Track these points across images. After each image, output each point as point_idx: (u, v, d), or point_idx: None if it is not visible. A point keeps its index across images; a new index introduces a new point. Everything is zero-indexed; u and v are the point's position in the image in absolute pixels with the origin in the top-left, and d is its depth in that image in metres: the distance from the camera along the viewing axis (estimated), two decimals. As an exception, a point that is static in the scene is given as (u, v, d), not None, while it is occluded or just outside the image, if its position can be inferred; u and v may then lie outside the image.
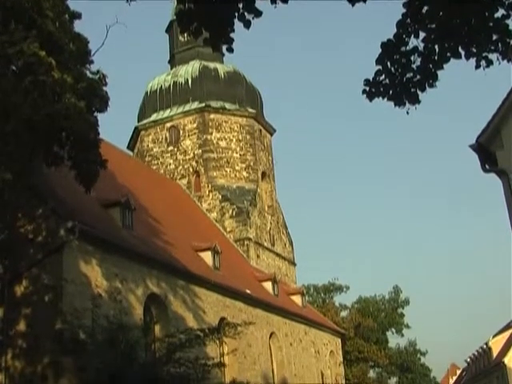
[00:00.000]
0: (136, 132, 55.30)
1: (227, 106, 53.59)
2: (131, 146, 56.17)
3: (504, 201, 16.58)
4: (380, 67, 10.02)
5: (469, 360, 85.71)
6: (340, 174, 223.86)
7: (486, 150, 16.44)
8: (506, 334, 70.84)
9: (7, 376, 22.66)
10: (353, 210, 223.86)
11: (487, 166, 16.62)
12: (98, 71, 20.40)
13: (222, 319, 33.66)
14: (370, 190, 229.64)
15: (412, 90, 10.06)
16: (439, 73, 9.96)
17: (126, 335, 22.14)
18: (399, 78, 10.01)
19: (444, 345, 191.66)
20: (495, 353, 71.15)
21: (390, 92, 10.14)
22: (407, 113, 10.31)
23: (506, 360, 64.90)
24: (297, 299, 49.29)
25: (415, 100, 10.14)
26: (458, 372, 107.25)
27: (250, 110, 54.72)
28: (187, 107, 53.29)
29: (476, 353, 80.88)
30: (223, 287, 34.67)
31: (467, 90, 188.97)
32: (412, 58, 9.87)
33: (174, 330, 25.97)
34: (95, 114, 20.35)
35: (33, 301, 23.08)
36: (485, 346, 75.35)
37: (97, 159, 20.51)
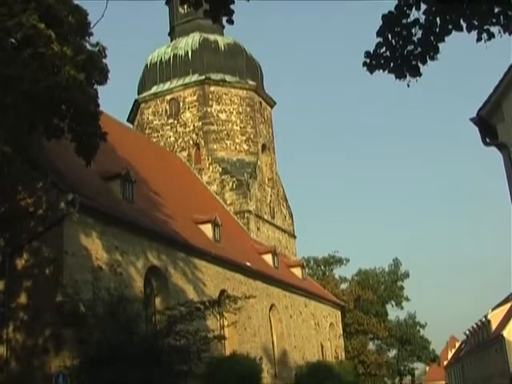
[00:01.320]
0: (136, 105, 55.16)
1: (227, 78, 53.40)
2: (131, 118, 56.05)
3: (504, 174, 16.56)
4: (381, 39, 9.96)
5: (468, 333, 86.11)
6: (340, 146, 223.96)
7: (487, 124, 16.40)
8: (506, 307, 71.09)
9: (9, 348, 22.78)
10: (352, 183, 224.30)
11: (488, 140, 16.58)
12: (97, 43, 20.24)
13: (223, 291, 33.77)
14: (369, 163, 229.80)
15: (413, 62, 10.01)
16: (440, 45, 9.91)
17: (127, 308, 22.20)
18: (400, 51, 9.96)
19: (443, 317, 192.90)
20: (494, 325, 71.46)
21: (391, 64, 10.09)
22: (408, 85, 10.27)
23: (505, 333, 65.19)
24: (297, 271, 49.46)
25: (416, 73, 10.10)
26: (457, 344, 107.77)
27: (251, 82, 54.55)
28: (187, 79, 53.10)
29: (475, 325, 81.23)
30: (223, 260, 34.77)
31: (468, 63, 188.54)
32: (413, 31, 9.80)
33: (174, 303, 26.06)
34: (95, 86, 20.26)
35: (33, 273, 23.13)
36: (484, 319, 75.65)
37: (97, 132, 20.46)
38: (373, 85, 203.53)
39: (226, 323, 34.17)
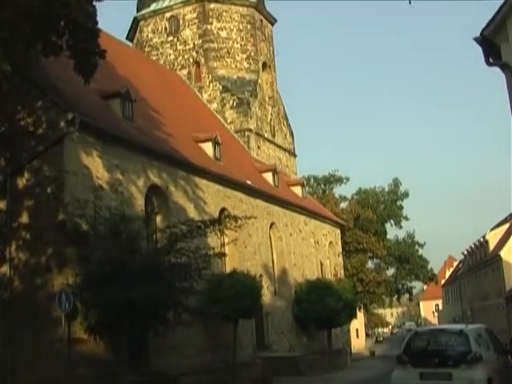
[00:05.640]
0: (135, 22, 54.40)
1: (227, -6, 52.55)
2: (130, 36, 55.38)
3: (506, 94, 16.44)
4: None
5: (466, 252, 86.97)
6: (341, 64, 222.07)
7: (491, 43, 16.19)
8: (504, 228, 71.74)
9: (11, 267, 23.01)
10: (353, 102, 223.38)
11: (491, 60, 16.39)
12: (95, -41, 19.85)
13: (223, 210, 33.99)
14: (371, 81, 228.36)
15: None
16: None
17: (128, 226, 22.36)
18: (404, -31, 9.80)
19: (442, 237, 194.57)
20: (492, 246, 72.24)
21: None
22: (409, 2, 10.13)
23: (503, 253, 65.99)
24: (297, 190, 49.64)
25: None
26: (455, 264, 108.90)
27: (251, -1, 53.71)
28: (187, -4, 52.26)
29: (473, 245, 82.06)
30: (224, 178, 34.84)
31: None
32: None
33: (175, 221, 26.22)
34: (94, 2, 19.90)
35: (35, 193, 23.18)
36: (482, 239, 76.36)
37: (96, 49, 20.19)
38: (375, 5, 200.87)
39: (226, 241, 34.46)
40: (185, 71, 51.01)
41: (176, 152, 30.72)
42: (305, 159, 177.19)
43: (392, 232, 76.75)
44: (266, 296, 36.46)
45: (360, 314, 70.68)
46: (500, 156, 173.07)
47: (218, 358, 30.40)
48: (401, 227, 73.48)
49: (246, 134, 48.66)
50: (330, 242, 52.70)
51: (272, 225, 41.68)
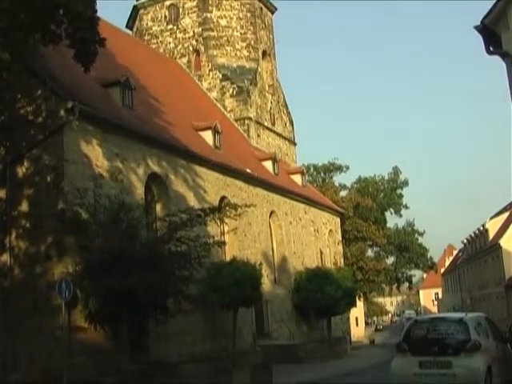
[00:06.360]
0: (135, 11, 54.21)
1: (227, -18, 52.33)
2: (130, 25, 55.20)
3: (507, 83, 16.41)
4: None
5: (465, 241, 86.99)
6: (342, 54, 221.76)
7: (491, 32, 16.15)
8: (504, 216, 71.75)
9: (12, 256, 23.03)
10: (353, 91, 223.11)
11: (491, 48, 16.36)
12: None
13: (223, 198, 34.00)
14: (371, 70, 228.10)
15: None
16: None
17: (128, 214, 22.40)
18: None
19: (441, 226, 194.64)
20: (492, 234, 72.24)
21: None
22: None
23: (502, 242, 66.00)
24: (297, 179, 49.65)
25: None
26: (455, 252, 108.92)
27: (250, -14, 53.49)
28: (186, -17, 52.05)
29: (473, 234, 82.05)
30: (224, 166, 34.86)
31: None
32: None
33: (175, 209, 26.26)
34: (92, -9, 19.83)
35: (35, 181, 23.19)
36: (482, 228, 76.36)
37: (95, 38, 20.13)
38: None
39: (226, 229, 34.49)
40: (184, 59, 50.88)
41: (176, 140, 30.72)
42: (305, 147, 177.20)
43: (392, 220, 76.84)
44: (266, 284, 36.48)
45: (360, 303, 70.77)
46: (500, 145, 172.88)
47: (217, 345, 30.51)
48: (400, 216, 73.46)
49: (246, 122, 48.57)
50: (330, 231, 52.73)
51: (272, 213, 41.70)
